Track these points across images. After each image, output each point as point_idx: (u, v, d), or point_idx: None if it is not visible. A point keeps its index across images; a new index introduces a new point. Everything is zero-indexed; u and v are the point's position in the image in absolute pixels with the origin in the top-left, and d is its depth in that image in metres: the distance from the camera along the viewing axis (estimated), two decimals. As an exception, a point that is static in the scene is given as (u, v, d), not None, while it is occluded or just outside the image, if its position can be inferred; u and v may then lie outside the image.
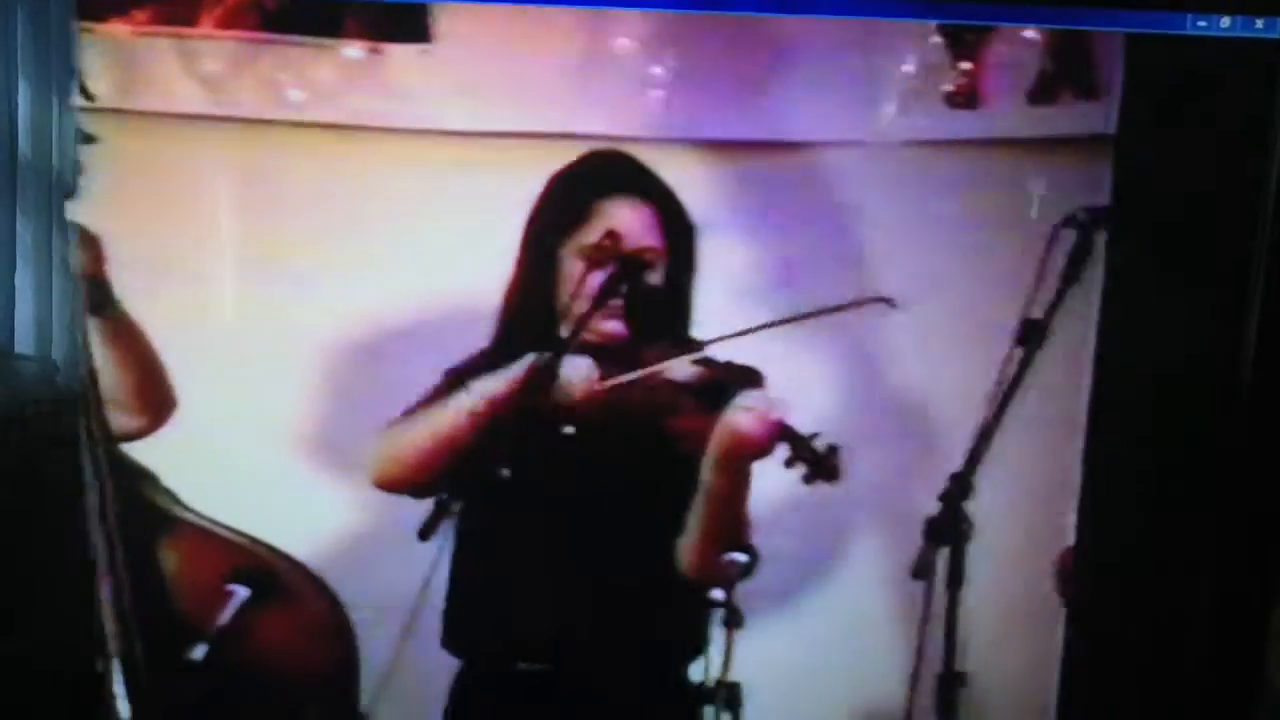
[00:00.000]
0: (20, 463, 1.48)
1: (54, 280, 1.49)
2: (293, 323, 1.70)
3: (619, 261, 1.64)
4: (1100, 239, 1.62)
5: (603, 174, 1.63)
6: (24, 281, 1.47)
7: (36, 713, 1.52)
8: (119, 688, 1.62)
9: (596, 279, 1.64)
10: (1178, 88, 1.55)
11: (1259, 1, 1.53)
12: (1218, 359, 1.59)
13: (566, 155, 1.64)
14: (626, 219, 1.64)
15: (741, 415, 1.59)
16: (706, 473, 1.63)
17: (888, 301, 1.62)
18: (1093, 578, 1.67)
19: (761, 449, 1.60)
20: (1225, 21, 1.53)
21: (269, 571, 1.74)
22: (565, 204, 1.64)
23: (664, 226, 1.64)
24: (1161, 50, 1.55)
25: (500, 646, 1.70)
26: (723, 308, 1.67)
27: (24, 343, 1.49)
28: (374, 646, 1.73)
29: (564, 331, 1.65)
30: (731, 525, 1.65)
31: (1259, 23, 1.52)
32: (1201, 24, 1.53)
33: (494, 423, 1.62)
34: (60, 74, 1.49)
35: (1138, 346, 1.61)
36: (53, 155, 1.48)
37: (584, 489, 1.67)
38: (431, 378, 1.69)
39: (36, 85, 1.46)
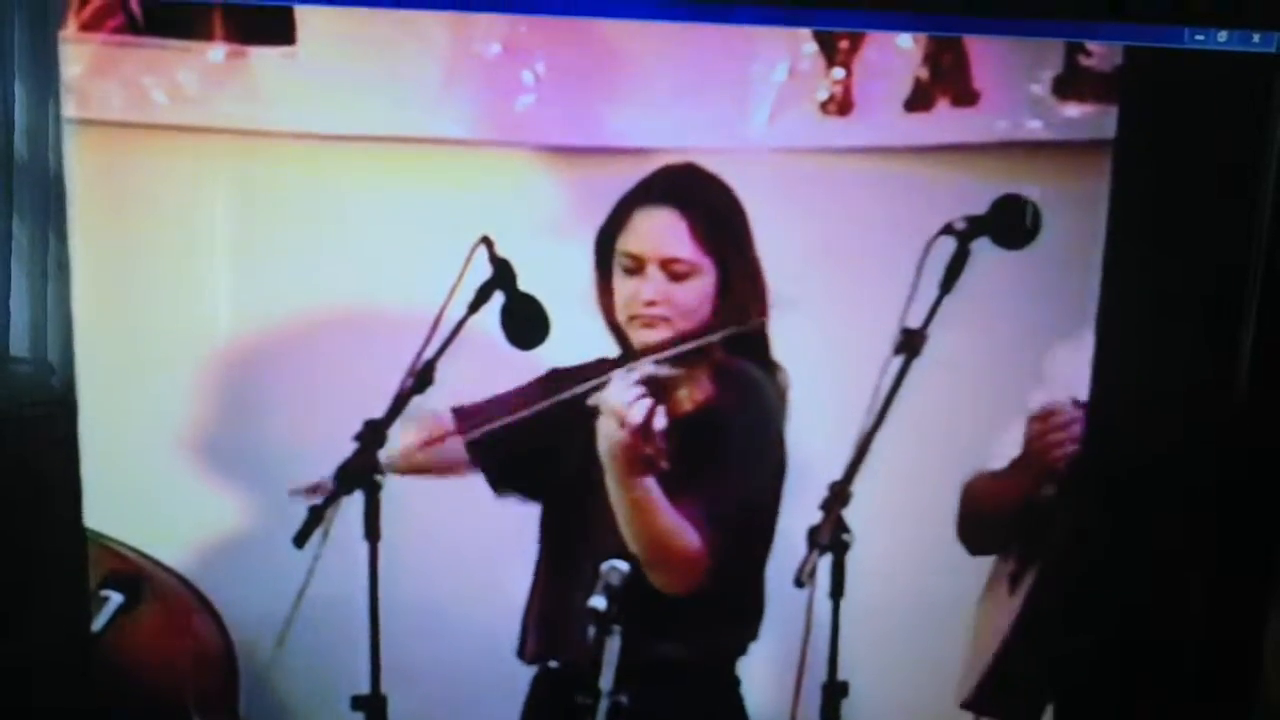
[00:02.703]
0: (16, 465, 1.47)
1: (49, 283, 1.49)
2: (176, 327, 1.68)
3: (493, 267, 1.62)
4: (975, 247, 1.61)
5: (655, 184, 1.62)
6: (19, 284, 1.47)
7: (33, 712, 1.52)
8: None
9: (628, 287, 1.63)
10: (1175, 101, 1.55)
11: (1256, 16, 1.53)
12: (1215, 361, 1.59)
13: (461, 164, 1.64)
14: (651, 229, 1.62)
15: (602, 421, 1.58)
16: None
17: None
18: (1091, 577, 1.66)
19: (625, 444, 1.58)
20: (1222, 35, 1.53)
21: (143, 578, 1.72)
22: (614, 213, 1.64)
23: (700, 239, 1.62)
24: (1159, 63, 1.55)
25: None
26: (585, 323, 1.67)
27: (19, 345, 1.49)
28: (251, 654, 1.72)
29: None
30: (639, 531, 1.63)
31: (1256, 37, 1.52)
32: (1199, 38, 1.52)
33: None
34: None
35: (1136, 349, 1.61)
36: (48, 159, 1.47)
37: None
38: (311, 388, 1.68)
39: (32, 89, 1.46)
